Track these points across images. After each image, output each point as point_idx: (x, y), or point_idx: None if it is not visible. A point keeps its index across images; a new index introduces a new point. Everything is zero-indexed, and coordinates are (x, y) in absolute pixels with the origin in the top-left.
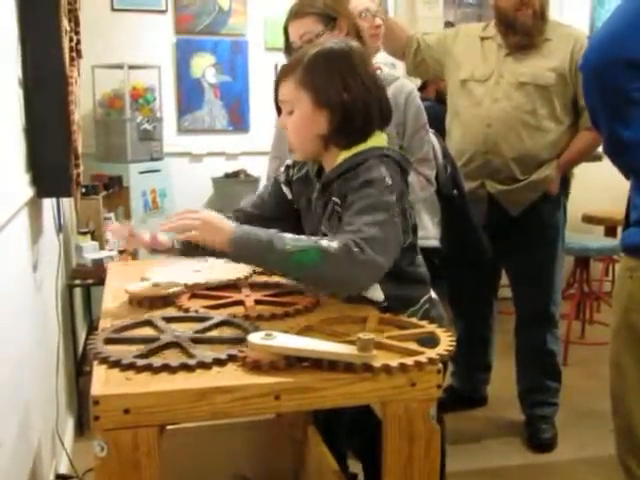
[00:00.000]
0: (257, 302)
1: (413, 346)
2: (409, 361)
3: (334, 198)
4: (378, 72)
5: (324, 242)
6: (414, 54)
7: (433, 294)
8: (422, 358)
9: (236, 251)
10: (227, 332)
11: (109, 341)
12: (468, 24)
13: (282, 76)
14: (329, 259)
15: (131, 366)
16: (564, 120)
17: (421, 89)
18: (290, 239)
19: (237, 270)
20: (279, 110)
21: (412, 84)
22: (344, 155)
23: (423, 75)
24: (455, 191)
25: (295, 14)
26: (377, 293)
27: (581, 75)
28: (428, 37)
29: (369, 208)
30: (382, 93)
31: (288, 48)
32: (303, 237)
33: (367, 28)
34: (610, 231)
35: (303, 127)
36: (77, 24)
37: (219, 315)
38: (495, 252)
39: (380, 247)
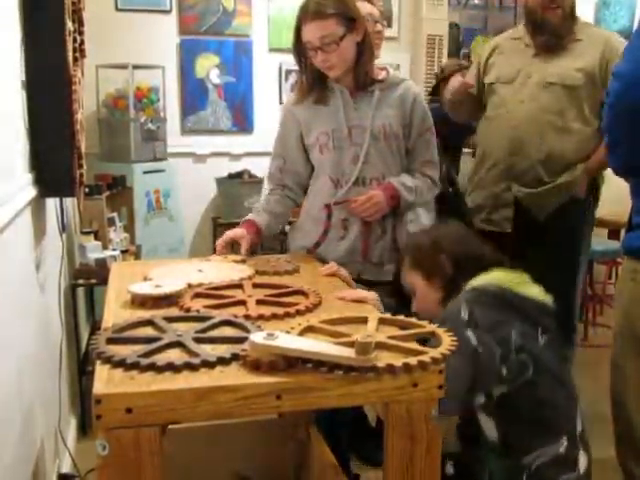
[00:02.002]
0: (259, 302)
1: (416, 346)
2: (413, 361)
3: None
4: (384, 74)
5: None
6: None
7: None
8: (426, 358)
9: None
10: (228, 332)
11: (111, 340)
12: (500, 35)
13: (401, 266)
14: None
15: (134, 365)
16: (593, 122)
17: (434, 92)
18: None
19: (240, 270)
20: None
21: (418, 87)
22: None
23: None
24: (450, 189)
25: (315, 14)
26: (489, 432)
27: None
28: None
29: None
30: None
31: (298, 47)
32: None
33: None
34: (614, 234)
35: (426, 298)
36: (81, 24)
37: (220, 315)
38: (519, 260)
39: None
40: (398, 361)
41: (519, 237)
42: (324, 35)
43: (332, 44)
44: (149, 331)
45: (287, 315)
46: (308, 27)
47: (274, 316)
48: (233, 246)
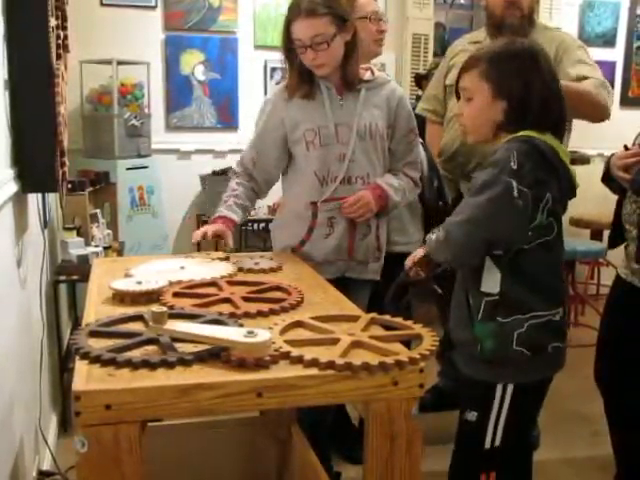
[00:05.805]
0: (244, 299)
1: (393, 346)
2: (390, 360)
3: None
4: (369, 74)
5: (432, 235)
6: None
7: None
8: (403, 357)
9: None
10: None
11: (93, 335)
12: (462, 38)
13: (466, 67)
14: (435, 248)
15: (112, 361)
16: None
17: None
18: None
19: (222, 268)
20: (458, 96)
21: (401, 89)
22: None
23: None
24: (440, 203)
25: (308, 12)
26: (491, 284)
27: None
28: (433, 103)
29: (480, 187)
30: (561, 96)
31: (288, 44)
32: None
33: (373, 32)
34: (596, 234)
35: (480, 114)
36: (64, 19)
37: (209, 314)
38: None
39: (470, 227)
40: (375, 359)
41: None
42: (316, 34)
43: (323, 43)
44: (136, 326)
45: (272, 312)
46: (300, 25)
47: (259, 313)
48: (217, 242)
